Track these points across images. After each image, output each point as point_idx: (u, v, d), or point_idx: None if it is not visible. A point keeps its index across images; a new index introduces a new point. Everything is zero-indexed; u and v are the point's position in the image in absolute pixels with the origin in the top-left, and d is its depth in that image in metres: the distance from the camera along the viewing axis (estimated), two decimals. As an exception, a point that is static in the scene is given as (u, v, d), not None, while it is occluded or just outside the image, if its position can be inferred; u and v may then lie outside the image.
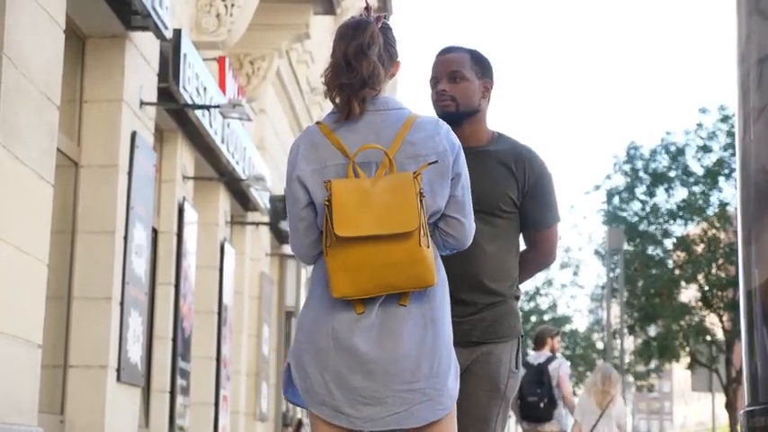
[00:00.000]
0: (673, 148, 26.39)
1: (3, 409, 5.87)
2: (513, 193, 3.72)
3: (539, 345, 10.39)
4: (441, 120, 3.22)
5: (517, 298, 3.79)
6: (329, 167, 3.08)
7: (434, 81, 3.80)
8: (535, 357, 10.25)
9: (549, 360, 10.09)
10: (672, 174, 26.35)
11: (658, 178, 26.31)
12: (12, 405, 6.03)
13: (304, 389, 3.09)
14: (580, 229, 37.86)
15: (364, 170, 3.07)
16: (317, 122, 3.18)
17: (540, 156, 3.81)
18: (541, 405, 9.83)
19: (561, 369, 10.04)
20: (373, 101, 3.13)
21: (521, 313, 3.85)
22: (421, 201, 2.99)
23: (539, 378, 9.86)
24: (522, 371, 3.87)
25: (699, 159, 26.06)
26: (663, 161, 26.63)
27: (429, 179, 3.06)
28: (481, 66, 3.81)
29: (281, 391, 3.27)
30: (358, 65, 3.08)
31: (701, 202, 25.83)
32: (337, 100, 3.13)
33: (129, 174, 8.41)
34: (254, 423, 14.75)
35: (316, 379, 3.06)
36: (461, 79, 3.76)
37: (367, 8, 3.19)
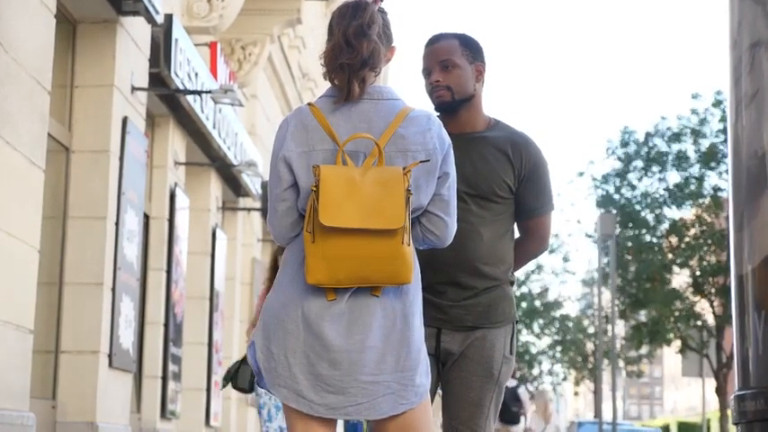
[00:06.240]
0: (668, 133, 26.32)
1: (-5, 394, 5.87)
2: (509, 178, 3.70)
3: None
4: (433, 115, 3.17)
5: (512, 283, 3.78)
6: (317, 152, 3.03)
7: (427, 72, 3.77)
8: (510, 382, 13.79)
9: (518, 386, 15.05)
10: (668, 158, 26.27)
11: (654, 160, 26.20)
12: (3, 390, 6.03)
13: (267, 368, 3.05)
14: (567, 215, 37.79)
15: (352, 159, 3.02)
16: (309, 104, 3.14)
17: (536, 143, 3.79)
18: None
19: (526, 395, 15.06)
20: (368, 89, 3.09)
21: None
22: (408, 198, 2.95)
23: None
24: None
25: (695, 144, 26.00)
26: (656, 147, 26.58)
27: (416, 176, 3.02)
28: (471, 49, 3.78)
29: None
30: (358, 44, 3.05)
31: (693, 186, 25.78)
32: (336, 81, 3.09)
33: (121, 159, 8.39)
34: (245, 408, 14.77)
35: (280, 360, 3.02)
36: (453, 67, 3.73)
37: None
